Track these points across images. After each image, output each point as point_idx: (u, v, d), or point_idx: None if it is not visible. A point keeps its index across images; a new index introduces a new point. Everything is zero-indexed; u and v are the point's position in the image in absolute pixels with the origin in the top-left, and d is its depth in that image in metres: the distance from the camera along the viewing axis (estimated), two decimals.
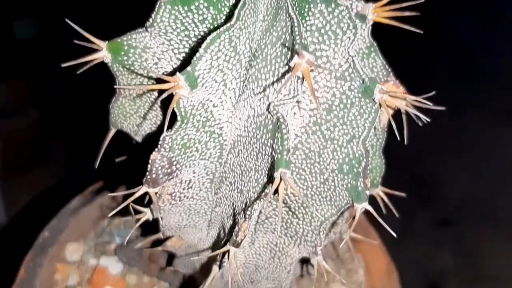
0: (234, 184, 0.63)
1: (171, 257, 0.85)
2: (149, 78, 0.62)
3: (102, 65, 0.64)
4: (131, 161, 0.78)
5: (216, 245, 0.73)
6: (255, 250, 0.71)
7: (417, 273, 1.39)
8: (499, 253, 1.47)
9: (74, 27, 0.58)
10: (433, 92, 0.61)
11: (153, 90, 0.64)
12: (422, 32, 0.59)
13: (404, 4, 0.57)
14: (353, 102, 0.58)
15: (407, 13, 0.57)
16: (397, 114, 0.64)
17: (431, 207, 1.60)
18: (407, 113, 0.62)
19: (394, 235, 0.58)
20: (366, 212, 0.59)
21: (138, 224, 0.67)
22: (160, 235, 0.75)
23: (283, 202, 0.64)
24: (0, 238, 1.41)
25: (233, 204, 0.65)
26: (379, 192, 0.71)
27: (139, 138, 0.71)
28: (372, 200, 0.65)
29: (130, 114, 0.68)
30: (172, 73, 0.56)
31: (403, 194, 0.73)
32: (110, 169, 0.81)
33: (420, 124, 0.62)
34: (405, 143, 0.63)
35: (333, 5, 0.54)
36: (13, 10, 1.83)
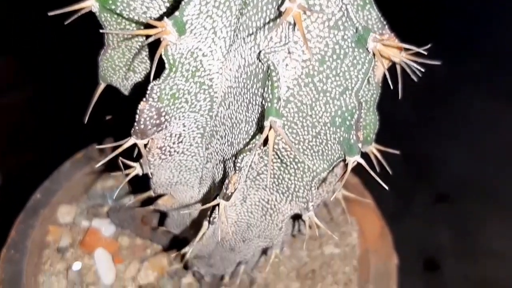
0: (225, 138, 0.62)
1: (163, 218, 0.84)
2: (138, 25, 0.60)
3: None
4: (122, 119, 0.77)
5: (207, 202, 0.72)
6: (247, 208, 0.70)
7: (413, 249, 1.39)
8: (497, 229, 1.47)
9: None
10: (429, 45, 0.59)
11: (141, 37, 0.62)
12: None
13: None
14: (346, 53, 0.57)
15: None
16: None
17: (428, 184, 1.59)
18: (402, 69, 0.61)
19: (387, 188, 0.57)
20: (360, 174, 0.58)
21: (127, 179, 0.66)
22: (151, 193, 0.74)
23: (275, 157, 0.63)
24: None
25: (223, 158, 0.64)
26: (373, 149, 0.70)
27: (128, 93, 0.69)
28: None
29: (119, 67, 0.67)
30: (160, 19, 0.54)
31: (397, 152, 0.72)
32: (102, 128, 0.80)
33: (415, 79, 0.60)
34: (399, 97, 0.61)
35: None
36: None
